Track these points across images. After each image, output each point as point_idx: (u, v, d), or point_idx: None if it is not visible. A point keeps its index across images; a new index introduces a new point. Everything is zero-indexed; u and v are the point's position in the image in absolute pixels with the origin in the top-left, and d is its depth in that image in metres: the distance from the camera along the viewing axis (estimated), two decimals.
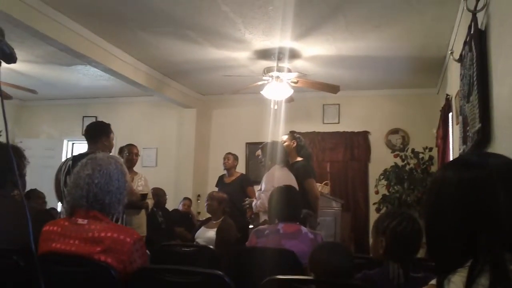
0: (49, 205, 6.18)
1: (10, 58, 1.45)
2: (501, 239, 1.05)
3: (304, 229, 3.30)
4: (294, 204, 3.46)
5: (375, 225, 2.28)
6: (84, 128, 4.36)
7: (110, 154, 3.71)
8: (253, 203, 5.13)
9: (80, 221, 2.20)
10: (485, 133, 3.32)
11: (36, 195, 5.55)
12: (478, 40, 3.48)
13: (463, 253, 1.08)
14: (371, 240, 2.32)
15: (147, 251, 2.39)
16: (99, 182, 2.23)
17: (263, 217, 4.53)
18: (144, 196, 5.17)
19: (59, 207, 4.38)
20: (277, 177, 4.67)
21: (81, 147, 4.19)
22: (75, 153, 8.65)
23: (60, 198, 4.03)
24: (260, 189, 4.87)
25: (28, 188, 5.05)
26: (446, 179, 1.18)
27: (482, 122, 3.33)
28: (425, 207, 1.23)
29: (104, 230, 2.16)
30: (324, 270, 2.23)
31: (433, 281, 1.11)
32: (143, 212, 5.33)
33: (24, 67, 7.17)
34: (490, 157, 1.18)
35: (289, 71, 6.24)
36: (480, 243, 1.06)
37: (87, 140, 4.20)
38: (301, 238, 3.22)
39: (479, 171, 1.12)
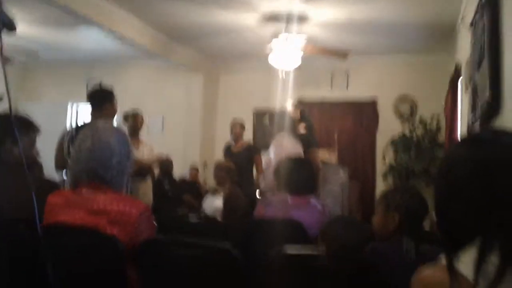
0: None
1: (10, 26, 1.38)
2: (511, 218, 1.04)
3: (313, 200, 3.27)
4: (306, 176, 3.41)
5: (383, 200, 2.26)
6: (88, 93, 4.36)
7: (113, 122, 3.70)
8: (261, 182, 5.12)
9: (84, 192, 2.16)
10: (495, 102, 3.28)
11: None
12: (491, 7, 3.40)
13: (474, 232, 1.07)
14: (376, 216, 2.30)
15: (154, 222, 2.36)
16: (99, 158, 2.17)
17: (270, 188, 4.50)
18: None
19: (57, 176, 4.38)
20: (284, 146, 4.63)
21: (86, 109, 4.17)
22: (79, 119, 8.67)
23: (61, 165, 4.02)
24: (269, 161, 4.83)
25: None
26: (458, 156, 1.17)
27: (492, 91, 3.29)
28: (437, 185, 1.22)
29: (109, 201, 2.12)
30: (338, 244, 2.21)
31: (442, 259, 1.10)
32: (149, 180, 5.35)
33: (25, 29, 7.03)
34: (503, 134, 1.16)
35: (298, 36, 6.14)
36: (491, 222, 1.05)
37: (91, 106, 4.19)
38: (309, 209, 3.20)
39: (492, 149, 1.11)
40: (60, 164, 4.07)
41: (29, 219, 2.12)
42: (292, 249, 2.19)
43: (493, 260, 1.00)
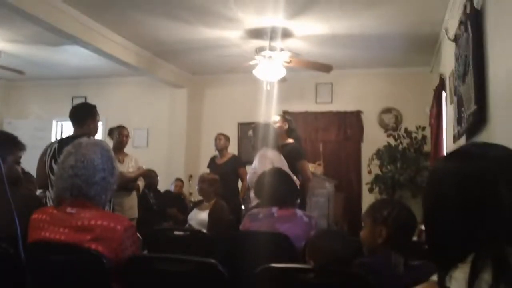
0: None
1: None
2: (503, 233, 1.02)
3: (299, 212, 3.27)
4: (289, 189, 3.43)
5: (370, 214, 2.23)
6: (70, 110, 4.25)
7: (96, 138, 3.66)
8: (248, 179, 5.10)
9: (68, 209, 2.13)
10: (480, 115, 3.30)
11: (28, 179, 5.40)
12: (474, 20, 3.43)
13: (465, 248, 1.04)
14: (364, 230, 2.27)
15: (139, 236, 2.34)
16: (82, 175, 2.14)
17: (255, 200, 4.48)
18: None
19: (38, 191, 4.31)
20: (270, 159, 4.62)
21: (71, 127, 4.13)
22: (63, 134, 8.59)
23: (43, 182, 3.95)
24: (253, 173, 4.82)
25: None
26: (446, 170, 1.15)
27: (477, 104, 3.31)
28: (425, 200, 1.19)
29: (94, 218, 2.10)
30: (326, 258, 2.19)
31: (434, 277, 1.07)
32: (134, 193, 5.30)
33: (11, 47, 7.03)
34: (491, 148, 1.14)
35: (282, 50, 6.17)
36: (482, 237, 1.02)
37: (72, 123, 4.12)
38: (295, 221, 3.19)
39: (480, 163, 1.09)
40: (42, 182, 3.99)
41: (12, 237, 2.10)
42: (279, 263, 2.17)
43: (486, 277, 0.97)
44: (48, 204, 3.65)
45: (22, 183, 3.98)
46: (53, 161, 3.80)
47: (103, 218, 2.11)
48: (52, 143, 4.05)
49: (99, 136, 7.63)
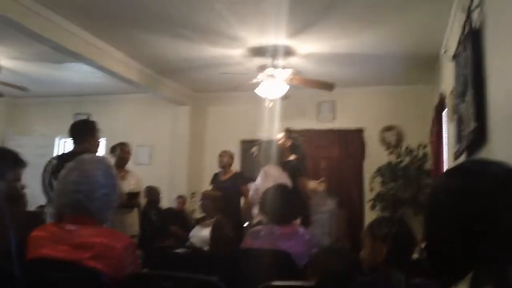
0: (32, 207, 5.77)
1: None
2: (502, 251, 1.02)
3: (301, 229, 3.27)
4: (290, 206, 3.43)
5: (369, 232, 2.23)
6: (70, 126, 4.20)
7: (98, 154, 3.65)
8: (250, 196, 5.09)
9: (69, 226, 2.13)
10: (480, 133, 3.30)
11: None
12: (473, 39, 3.44)
13: (465, 265, 1.04)
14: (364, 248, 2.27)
15: (140, 251, 2.34)
16: (84, 190, 2.15)
17: (258, 217, 4.48)
18: (133, 195, 5.12)
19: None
20: (272, 176, 4.63)
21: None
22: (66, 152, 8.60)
23: (47, 198, 3.94)
24: (255, 191, 4.82)
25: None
26: (446, 187, 1.15)
27: (477, 122, 3.31)
28: (425, 216, 1.19)
29: (94, 235, 2.09)
30: (327, 276, 2.19)
31: None
32: (135, 210, 5.29)
33: (15, 65, 7.08)
34: (490, 165, 1.14)
35: (284, 68, 6.21)
36: (481, 255, 1.02)
37: (72, 138, 4.10)
38: (297, 239, 3.19)
39: (480, 180, 1.09)
40: (46, 195, 3.96)
41: (8, 254, 2.10)
42: (281, 281, 2.17)
43: None
44: (48, 221, 3.64)
45: (23, 200, 3.95)
46: (52, 177, 3.78)
47: (103, 236, 2.11)
48: (51, 160, 4.00)
49: (102, 153, 7.71)
